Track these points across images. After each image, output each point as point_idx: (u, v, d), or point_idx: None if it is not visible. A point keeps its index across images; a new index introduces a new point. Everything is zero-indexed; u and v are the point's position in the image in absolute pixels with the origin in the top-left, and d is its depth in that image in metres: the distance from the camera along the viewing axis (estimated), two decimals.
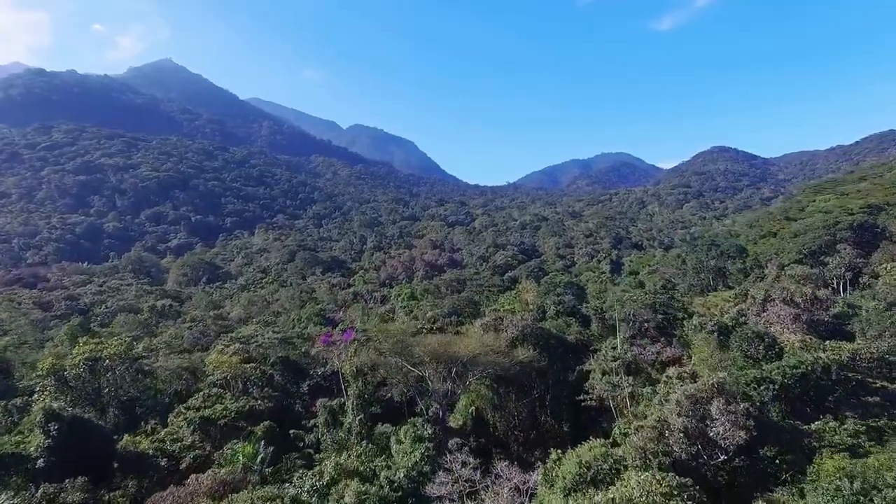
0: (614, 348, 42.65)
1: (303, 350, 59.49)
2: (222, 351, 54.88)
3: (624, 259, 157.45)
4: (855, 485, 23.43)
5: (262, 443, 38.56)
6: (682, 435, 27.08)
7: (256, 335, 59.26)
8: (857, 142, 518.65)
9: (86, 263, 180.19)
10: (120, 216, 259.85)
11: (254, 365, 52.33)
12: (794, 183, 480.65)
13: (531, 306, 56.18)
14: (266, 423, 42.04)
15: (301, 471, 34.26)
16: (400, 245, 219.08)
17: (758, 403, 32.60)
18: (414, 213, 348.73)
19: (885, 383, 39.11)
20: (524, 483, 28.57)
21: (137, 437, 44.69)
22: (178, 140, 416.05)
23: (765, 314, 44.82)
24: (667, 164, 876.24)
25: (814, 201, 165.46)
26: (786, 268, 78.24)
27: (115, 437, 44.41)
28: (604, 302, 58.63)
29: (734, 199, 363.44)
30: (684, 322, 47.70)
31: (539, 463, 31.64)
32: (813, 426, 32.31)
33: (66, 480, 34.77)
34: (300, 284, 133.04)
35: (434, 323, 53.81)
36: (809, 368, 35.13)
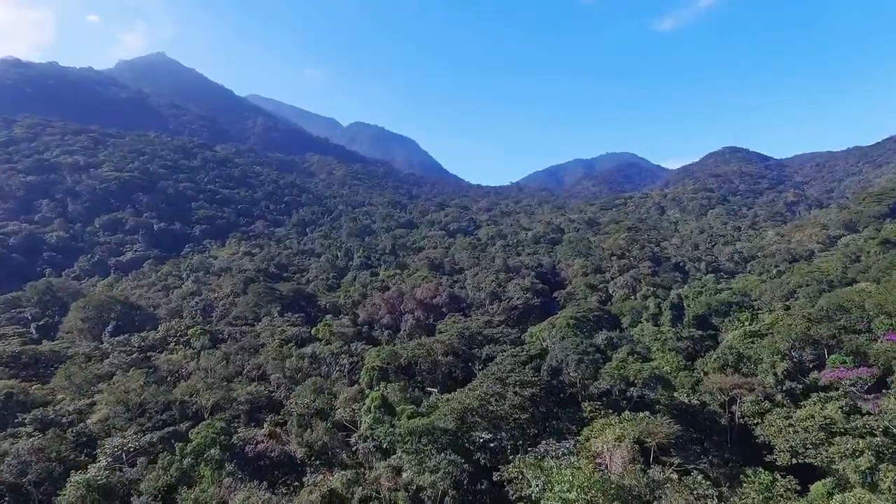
0: None
1: None
2: None
3: (679, 292, 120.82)
4: None
5: None
6: None
7: None
8: (878, 143, 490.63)
9: None
10: (68, 224, 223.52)
11: None
12: (813, 186, 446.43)
13: None
14: None
15: None
16: (391, 264, 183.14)
17: None
18: (411, 218, 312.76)
19: None
20: None
21: None
22: (156, 136, 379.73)
23: None
24: (672, 165, 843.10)
25: None
26: None
27: None
28: None
29: (760, 204, 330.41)
30: None
31: None
32: None
33: None
34: (244, 334, 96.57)
35: None
36: None
